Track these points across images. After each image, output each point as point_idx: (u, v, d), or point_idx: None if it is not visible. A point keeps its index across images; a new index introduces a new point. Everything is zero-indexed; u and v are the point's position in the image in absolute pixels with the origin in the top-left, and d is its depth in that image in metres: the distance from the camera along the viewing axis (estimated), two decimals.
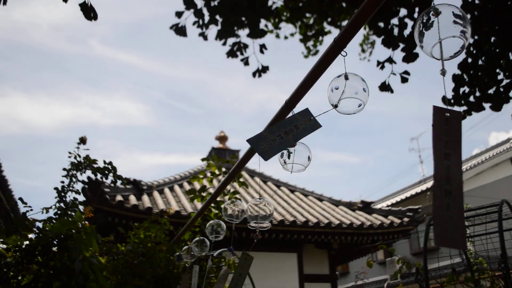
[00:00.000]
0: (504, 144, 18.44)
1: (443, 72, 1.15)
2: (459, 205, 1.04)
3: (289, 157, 1.63)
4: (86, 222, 3.00)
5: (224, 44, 5.75)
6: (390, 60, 4.94)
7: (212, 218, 3.81)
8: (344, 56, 1.48)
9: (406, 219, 12.36)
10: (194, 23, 5.45)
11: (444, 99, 4.58)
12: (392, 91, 4.98)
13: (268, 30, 7.04)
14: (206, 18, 5.39)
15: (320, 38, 7.10)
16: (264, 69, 6.00)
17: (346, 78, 1.35)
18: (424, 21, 1.16)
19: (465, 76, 4.47)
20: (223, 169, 4.39)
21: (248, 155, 2.23)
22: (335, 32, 7.11)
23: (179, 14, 5.35)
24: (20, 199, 2.91)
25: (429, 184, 17.25)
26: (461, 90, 4.52)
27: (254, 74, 6.01)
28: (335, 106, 1.33)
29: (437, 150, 1.08)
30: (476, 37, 4.30)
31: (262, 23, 5.97)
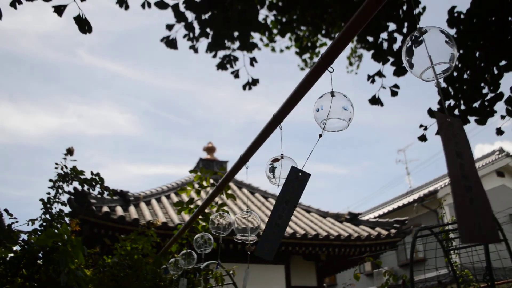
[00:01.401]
0: (490, 156, 18.69)
1: (438, 84, 1.18)
2: (483, 199, 1.01)
3: (275, 172, 1.64)
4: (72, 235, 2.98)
5: (214, 56, 5.78)
6: (379, 73, 5.01)
7: (200, 231, 3.80)
8: (331, 72, 1.50)
9: (393, 231, 12.41)
10: (184, 36, 5.47)
11: (430, 111, 4.65)
12: (382, 105, 5.04)
13: (264, 44, 7.11)
14: (197, 31, 5.42)
15: (317, 50, 7.17)
16: (254, 82, 6.02)
17: (332, 95, 1.37)
18: (411, 44, 1.19)
19: (450, 89, 4.53)
20: (211, 181, 4.38)
21: (236, 168, 2.24)
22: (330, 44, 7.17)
23: (169, 27, 5.37)
24: (6, 210, 2.89)
25: (416, 195, 17.37)
26: (447, 103, 4.58)
27: (244, 87, 6.03)
28: (320, 136, 1.39)
29: (448, 150, 1.07)
30: (461, 51, 4.37)
31: (257, 37, 6.01)
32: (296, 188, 1.48)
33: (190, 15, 5.30)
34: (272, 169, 1.65)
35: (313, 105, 1.41)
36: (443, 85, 4.61)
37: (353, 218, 13.28)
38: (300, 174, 1.48)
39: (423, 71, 1.19)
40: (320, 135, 1.39)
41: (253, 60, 5.89)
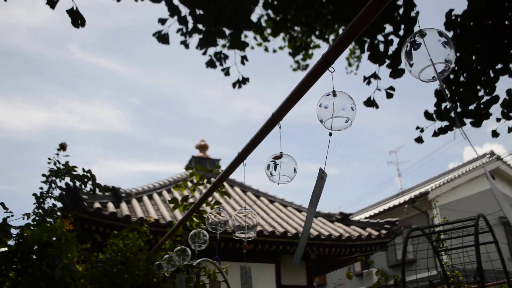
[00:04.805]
0: (479, 159, 18.82)
1: (442, 87, 1.20)
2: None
3: (275, 169, 1.65)
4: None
5: (205, 53, 5.72)
6: (375, 75, 5.01)
7: (194, 227, 3.80)
8: (331, 72, 1.51)
9: (383, 231, 12.47)
10: (177, 31, 5.43)
11: (427, 113, 4.67)
12: (377, 107, 5.03)
13: (257, 43, 7.10)
14: (190, 26, 5.37)
15: (310, 51, 7.17)
16: (245, 80, 6.00)
17: (334, 94, 1.38)
18: (411, 44, 1.20)
19: (447, 92, 4.56)
20: (205, 179, 4.38)
21: (234, 165, 2.24)
22: (323, 46, 7.20)
23: (162, 21, 5.32)
24: (2, 204, 2.87)
25: (407, 197, 17.45)
26: (443, 105, 4.61)
27: (234, 85, 6.01)
28: (330, 134, 1.40)
29: None
30: (458, 54, 4.40)
31: (251, 36, 5.96)
32: (320, 189, 1.46)
33: (184, 9, 5.26)
34: (272, 167, 1.65)
35: (317, 103, 1.42)
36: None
37: (344, 218, 13.32)
38: (324, 174, 1.45)
39: (421, 70, 1.20)
40: (330, 134, 1.40)
41: (244, 59, 5.86)
